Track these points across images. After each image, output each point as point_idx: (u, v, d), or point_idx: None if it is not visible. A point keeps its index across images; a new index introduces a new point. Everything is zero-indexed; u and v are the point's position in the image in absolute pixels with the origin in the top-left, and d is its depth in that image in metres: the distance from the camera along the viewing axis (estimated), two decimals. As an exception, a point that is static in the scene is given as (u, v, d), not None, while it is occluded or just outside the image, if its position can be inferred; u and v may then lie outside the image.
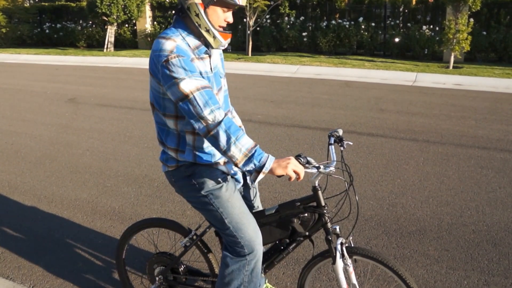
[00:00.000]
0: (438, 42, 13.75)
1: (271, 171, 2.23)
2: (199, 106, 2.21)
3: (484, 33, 13.77)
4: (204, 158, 2.49)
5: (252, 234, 2.52)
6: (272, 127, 7.44)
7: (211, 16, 2.32)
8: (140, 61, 15.49)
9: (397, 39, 14.70)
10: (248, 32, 15.14)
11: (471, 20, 12.66)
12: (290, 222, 2.57)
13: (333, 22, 15.56)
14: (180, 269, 2.95)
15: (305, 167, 2.37)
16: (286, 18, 16.18)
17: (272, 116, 8.18)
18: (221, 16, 2.34)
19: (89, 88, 11.34)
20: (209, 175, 2.50)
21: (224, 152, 2.23)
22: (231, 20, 2.38)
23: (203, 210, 2.58)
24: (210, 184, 2.49)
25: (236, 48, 16.84)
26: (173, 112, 2.40)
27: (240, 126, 2.76)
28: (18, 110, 9.17)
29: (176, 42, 2.29)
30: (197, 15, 2.31)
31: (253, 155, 2.22)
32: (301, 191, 4.96)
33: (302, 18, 16.16)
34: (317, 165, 2.42)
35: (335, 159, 2.54)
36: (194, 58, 2.33)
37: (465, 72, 12.07)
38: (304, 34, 15.83)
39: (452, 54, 12.65)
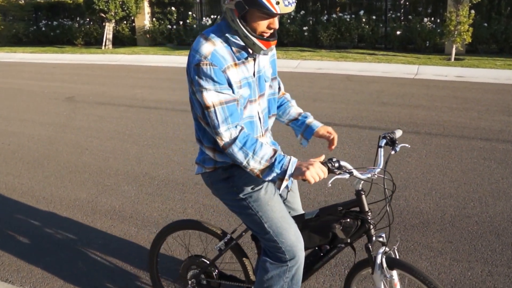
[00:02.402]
0: (440, 34, 13.64)
1: (293, 176, 2.13)
2: (217, 121, 2.16)
3: (485, 24, 13.65)
4: None
5: (293, 239, 2.40)
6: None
7: (251, 21, 2.15)
8: (139, 58, 15.43)
9: (398, 32, 14.60)
10: (248, 27, 15.04)
11: (472, 11, 12.55)
12: (331, 228, 2.43)
13: (334, 15, 15.45)
14: (214, 273, 2.84)
15: (334, 172, 2.20)
16: (287, 12, 16.05)
17: (273, 111, 8.07)
18: (263, 23, 2.15)
19: (87, 86, 11.28)
20: (248, 178, 2.37)
21: (244, 167, 2.19)
22: (276, 26, 2.18)
23: (242, 214, 2.48)
24: (249, 186, 2.39)
25: (236, 44, 16.74)
26: (200, 114, 2.30)
27: (299, 113, 2.69)
28: (15, 110, 9.11)
29: (215, 45, 2.18)
30: (232, 21, 2.17)
31: (273, 164, 2.13)
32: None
33: (302, 12, 16.06)
34: (350, 169, 2.25)
35: (380, 164, 2.38)
36: (230, 66, 2.20)
37: (466, 64, 11.99)
38: (304, 28, 15.73)
39: (454, 46, 12.55)
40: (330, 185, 2.20)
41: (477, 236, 3.93)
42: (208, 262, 2.84)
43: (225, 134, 2.16)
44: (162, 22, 17.98)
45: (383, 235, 2.40)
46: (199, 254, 3.00)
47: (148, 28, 18.25)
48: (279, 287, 2.45)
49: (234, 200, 2.44)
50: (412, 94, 9.02)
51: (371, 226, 2.39)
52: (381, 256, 2.35)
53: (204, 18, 17.60)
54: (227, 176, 2.40)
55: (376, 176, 2.31)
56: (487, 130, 6.66)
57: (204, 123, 2.30)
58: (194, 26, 17.53)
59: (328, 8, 16.07)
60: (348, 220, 2.40)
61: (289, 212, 2.64)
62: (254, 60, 2.32)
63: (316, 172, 2.10)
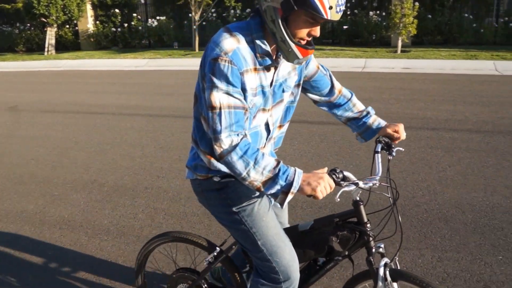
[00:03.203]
0: (385, 27, 13.92)
1: (300, 190, 1.87)
2: (220, 126, 1.90)
3: (429, 16, 14.01)
4: None
5: (288, 258, 2.19)
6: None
7: (293, 25, 1.90)
8: (83, 63, 15.06)
9: (345, 27, 14.79)
10: (194, 27, 14.92)
11: (416, 4, 12.85)
12: (327, 241, 2.22)
13: (279, 12, 15.51)
14: (203, 287, 2.64)
15: (340, 185, 2.01)
16: (232, 11, 16.04)
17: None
18: (305, 28, 1.92)
19: (31, 94, 10.89)
20: (243, 190, 2.16)
21: (243, 179, 1.91)
22: (317, 34, 1.96)
23: (233, 229, 2.25)
24: (243, 199, 2.17)
25: (183, 44, 16.59)
26: (205, 113, 2.03)
27: (360, 111, 2.48)
28: (-45, 121, 8.71)
29: (239, 43, 1.94)
30: (272, 21, 1.91)
31: (277, 175, 1.87)
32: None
33: (248, 10, 16.06)
34: (355, 180, 2.07)
35: (379, 172, 2.20)
36: (249, 69, 1.97)
37: (412, 55, 12.27)
38: (250, 26, 15.70)
39: (400, 38, 12.81)
40: (338, 199, 1.99)
41: (426, 223, 3.99)
42: (197, 276, 2.64)
43: (226, 140, 1.90)
44: (106, 25, 17.62)
45: (383, 245, 2.27)
46: (187, 267, 2.81)
47: (91, 31, 17.85)
48: None
49: (225, 212, 2.21)
50: (360, 87, 9.14)
51: (371, 238, 2.22)
52: (384, 268, 2.19)
53: (149, 19, 17.35)
54: (220, 186, 2.18)
55: (377, 185, 2.14)
56: (434, 119, 6.82)
57: (206, 125, 2.05)
58: (140, 28, 17.27)
59: (274, 5, 16.10)
60: (345, 232, 2.22)
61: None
62: (275, 68, 2.09)
63: (325, 186, 1.88)
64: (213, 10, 15.97)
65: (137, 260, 2.84)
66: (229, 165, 1.93)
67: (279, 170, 1.88)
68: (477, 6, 15.00)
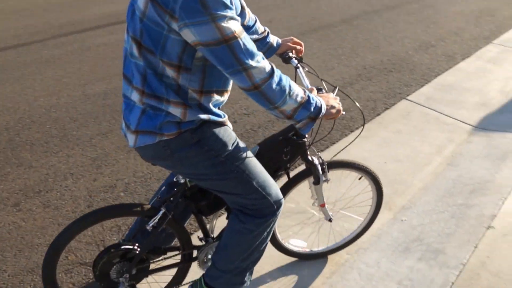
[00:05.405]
0: None
1: (327, 115, 1.91)
2: (244, 54, 1.62)
3: None
4: (217, 113, 1.91)
5: (275, 186, 2.07)
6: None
7: None
8: None
9: None
10: None
11: None
12: (280, 162, 2.22)
13: None
14: (145, 257, 2.22)
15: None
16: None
17: None
18: None
19: None
20: (224, 134, 1.92)
21: (275, 108, 1.76)
22: None
23: (221, 181, 1.96)
24: (226, 144, 1.91)
25: None
26: (176, 61, 1.70)
27: (263, 31, 2.33)
28: None
29: None
30: None
31: (308, 101, 1.81)
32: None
33: None
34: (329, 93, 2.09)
35: (308, 84, 2.17)
36: None
37: None
38: None
39: None
40: (344, 113, 2.05)
41: None
42: (139, 248, 2.19)
43: (259, 67, 1.66)
44: None
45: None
46: (116, 243, 2.20)
47: None
48: (265, 240, 2.16)
49: (211, 166, 1.91)
50: None
51: (307, 146, 2.30)
52: (321, 166, 2.37)
53: None
54: (198, 138, 1.86)
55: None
56: None
57: (175, 76, 1.74)
58: None
59: None
60: (290, 147, 2.24)
61: None
62: None
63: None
64: None
65: (43, 267, 2.09)
66: (265, 95, 1.72)
67: (308, 96, 1.84)
68: None
